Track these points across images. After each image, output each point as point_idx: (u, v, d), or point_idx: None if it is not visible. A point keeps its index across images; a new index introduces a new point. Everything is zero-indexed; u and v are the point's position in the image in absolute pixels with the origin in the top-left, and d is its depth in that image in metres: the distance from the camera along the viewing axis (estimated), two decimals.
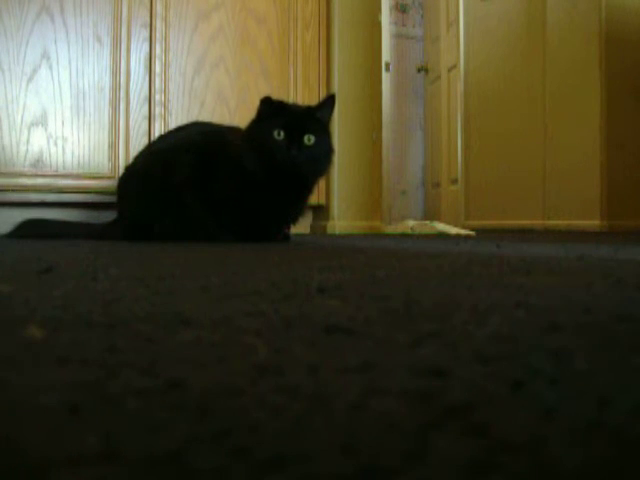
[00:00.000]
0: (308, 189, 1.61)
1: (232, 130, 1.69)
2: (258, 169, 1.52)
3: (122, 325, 0.40)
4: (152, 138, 2.16)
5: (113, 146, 2.20)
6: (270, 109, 1.53)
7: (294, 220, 1.68)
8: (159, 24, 2.27)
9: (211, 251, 1.22)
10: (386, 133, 2.57)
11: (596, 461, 0.19)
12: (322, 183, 2.37)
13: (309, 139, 1.50)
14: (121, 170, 1.95)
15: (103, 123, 2.19)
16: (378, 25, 2.54)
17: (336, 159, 2.30)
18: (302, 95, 2.42)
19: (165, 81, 2.28)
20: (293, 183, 1.55)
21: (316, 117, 1.55)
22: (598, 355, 0.33)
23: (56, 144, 2.14)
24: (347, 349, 0.34)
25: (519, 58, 3.39)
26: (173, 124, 2.16)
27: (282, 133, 1.49)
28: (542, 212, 3.23)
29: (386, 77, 2.58)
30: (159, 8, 2.27)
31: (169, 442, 0.20)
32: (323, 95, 2.43)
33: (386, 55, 2.58)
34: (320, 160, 1.55)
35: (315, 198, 2.30)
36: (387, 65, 2.59)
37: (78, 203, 2.18)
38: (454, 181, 4.00)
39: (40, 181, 2.12)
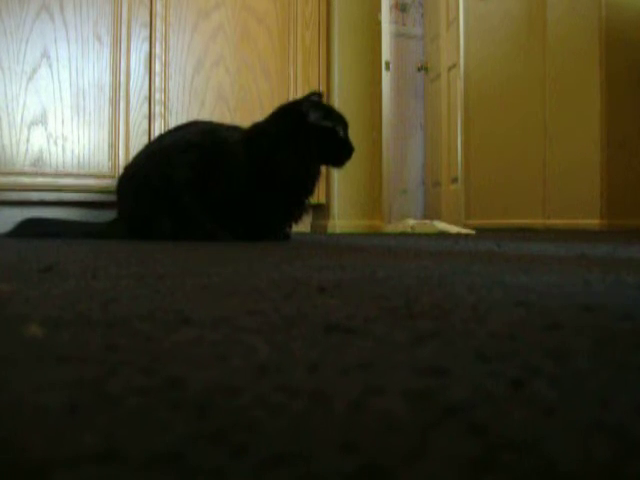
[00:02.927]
0: (314, 187, 1.64)
1: (231, 129, 1.69)
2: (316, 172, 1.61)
3: (122, 324, 0.40)
4: (152, 137, 2.16)
5: (113, 145, 2.20)
6: (314, 107, 1.58)
7: (297, 219, 1.67)
8: (159, 23, 2.27)
9: (211, 250, 1.22)
10: (386, 133, 2.57)
11: (596, 461, 0.19)
12: (322, 182, 2.37)
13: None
14: (121, 169, 1.95)
15: (103, 122, 2.19)
16: (378, 24, 2.54)
17: None
18: (302, 95, 2.41)
19: (165, 80, 2.28)
20: (315, 179, 1.62)
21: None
22: (598, 354, 0.33)
23: (56, 143, 2.14)
24: (347, 348, 0.34)
25: (519, 57, 3.39)
26: (173, 123, 2.16)
27: (342, 131, 1.58)
28: (542, 211, 3.23)
29: (386, 76, 2.58)
30: (159, 7, 2.27)
31: (169, 441, 0.20)
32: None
33: (386, 54, 2.58)
34: None
35: (315, 197, 2.30)
36: (387, 64, 2.59)
37: (78, 202, 2.18)
38: (454, 180, 4.00)
39: (40, 180, 2.11)
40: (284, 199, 1.58)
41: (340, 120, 1.61)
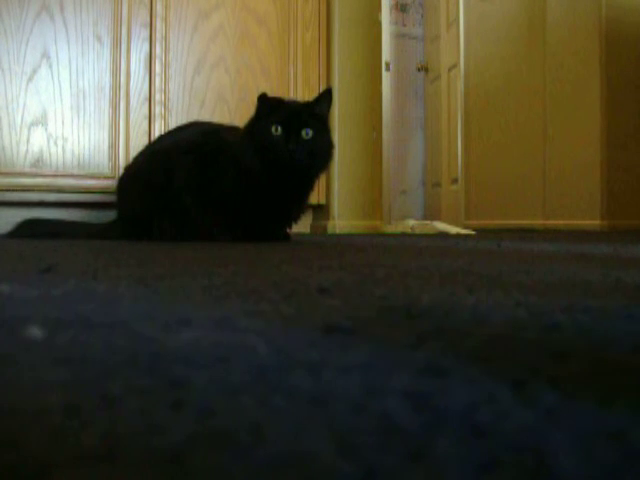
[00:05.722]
0: (309, 186, 1.61)
1: (232, 130, 1.69)
2: (257, 166, 1.51)
3: (122, 325, 0.40)
4: (152, 138, 2.16)
5: (113, 146, 2.20)
6: (267, 106, 1.53)
7: (295, 219, 1.67)
8: (159, 24, 2.27)
9: (211, 251, 1.22)
10: (386, 133, 2.57)
11: (597, 463, 0.19)
12: (322, 182, 2.37)
13: (307, 133, 1.50)
14: (121, 170, 1.95)
15: (103, 123, 2.19)
16: (378, 25, 2.54)
17: (336, 159, 2.30)
18: (302, 95, 2.42)
19: (165, 81, 2.28)
20: (293, 179, 1.55)
21: (314, 112, 1.55)
22: (599, 355, 0.33)
23: (56, 144, 2.14)
24: (347, 349, 0.34)
25: (519, 58, 3.39)
26: (173, 124, 2.16)
27: (279, 128, 1.49)
28: (542, 212, 3.23)
29: (386, 77, 2.58)
30: (159, 8, 2.27)
31: (169, 442, 0.20)
32: None
33: (386, 55, 2.58)
34: (319, 154, 1.54)
35: (315, 197, 2.30)
36: (387, 65, 2.59)
37: (78, 203, 2.18)
38: (454, 181, 4.00)
39: (40, 181, 2.11)
40: (281, 198, 1.58)
41: (280, 119, 1.49)
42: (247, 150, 1.53)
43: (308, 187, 1.61)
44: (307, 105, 1.57)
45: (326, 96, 1.59)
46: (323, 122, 1.56)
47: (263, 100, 1.55)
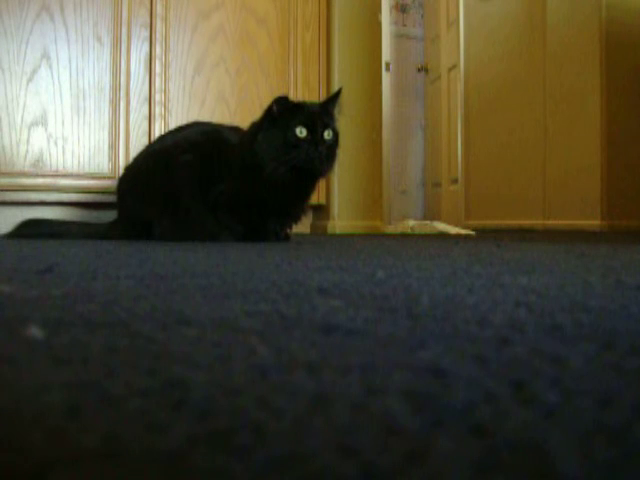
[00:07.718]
0: (315, 186, 1.62)
1: (233, 130, 1.69)
2: (280, 171, 1.50)
3: (122, 325, 0.40)
4: (152, 138, 2.16)
5: (113, 146, 2.20)
6: (286, 108, 1.52)
7: (296, 219, 1.67)
8: (159, 24, 2.27)
9: (211, 251, 1.22)
10: (386, 133, 2.57)
11: (596, 462, 0.19)
12: (322, 182, 2.37)
13: (329, 134, 1.51)
14: (121, 170, 1.95)
15: (103, 123, 2.19)
16: (378, 25, 2.54)
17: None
18: (302, 95, 2.41)
19: (165, 81, 2.28)
20: (309, 181, 1.56)
21: (330, 112, 1.56)
22: (598, 355, 0.33)
23: (56, 144, 2.14)
24: (347, 349, 0.34)
25: (519, 58, 3.40)
26: (173, 124, 2.16)
27: (304, 131, 1.49)
28: (542, 212, 3.23)
29: (386, 77, 2.58)
30: (159, 8, 2.27)
31: (169, 442, 0.20)
32: (323, 95, 2.42)
33: (386, 55, 2.58)
34: (335, 155, 1.55)
35: (315, 198, 2.30)
36: (387, 65, 2.59)
37: (78, 203, 2.18)
38: (454, 181, 4.00)
39: (40, 181, 2.11)
40: (284, 199, 1.57)
41: (304, 120, 1.49)
42: (270, 155, 1.50)
43: (314, 187, 1.62)
44: (323, 106, 1.57)
45: (337, 96, 1.60)
46: (334, 122, 1.57)
47: (283, 102, 1.53)
